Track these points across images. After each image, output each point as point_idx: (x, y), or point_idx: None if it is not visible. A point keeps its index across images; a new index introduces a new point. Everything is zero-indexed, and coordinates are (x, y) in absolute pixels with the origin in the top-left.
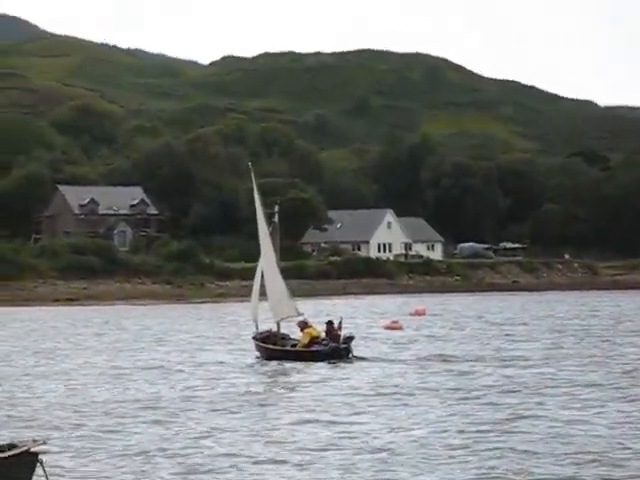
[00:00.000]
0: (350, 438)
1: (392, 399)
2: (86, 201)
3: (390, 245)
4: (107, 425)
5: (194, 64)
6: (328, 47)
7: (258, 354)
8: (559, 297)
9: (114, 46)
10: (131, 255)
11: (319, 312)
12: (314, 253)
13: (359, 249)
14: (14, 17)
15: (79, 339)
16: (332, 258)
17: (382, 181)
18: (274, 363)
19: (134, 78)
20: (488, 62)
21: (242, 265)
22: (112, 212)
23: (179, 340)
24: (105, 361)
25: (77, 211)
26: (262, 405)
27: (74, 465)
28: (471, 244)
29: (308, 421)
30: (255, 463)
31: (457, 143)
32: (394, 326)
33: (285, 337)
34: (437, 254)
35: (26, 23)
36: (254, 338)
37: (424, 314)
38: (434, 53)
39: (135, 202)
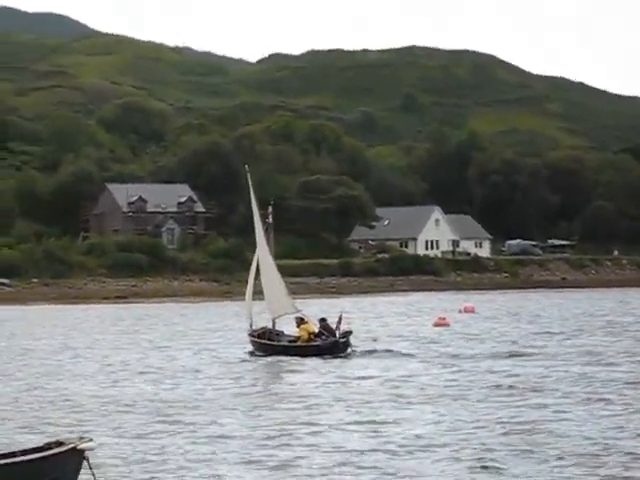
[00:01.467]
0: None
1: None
2: (134, 199)
3: (438, 242)
4: (153, 423)
5: (241, 62)
6: (375, 44)
7: (252, 349)
8: (609, 294)
9: (162, 44)
10: (179, 253)
11: (360, 309)
12: (361, 250)
13: (406, 246)
14: (63, 16)
15: (124, 336)
16: (379, 255)
17: (430, 178)
18: (310, 361)
19: (181, 76)
20: (536, 58)
21: (289, 262)
22: (160, 210)
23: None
24: (159, 359)
25: (125, 209)
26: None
27: (120, 462)
28: (519, 241)
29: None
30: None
31: (505, 140)
32: (442, 323)
33: (280, 334)
34: (485, 251)
35: (75, 22)
36: (250, 335)
37: (473, 311)
38: (482, 49)
39: (183, 200)
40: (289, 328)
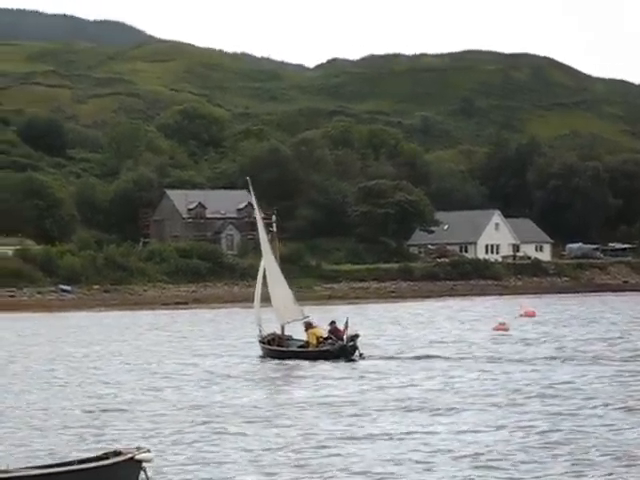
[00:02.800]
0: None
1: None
2: (194, 205)
3: (498, 246)
4: (208, 433)
5: (300, 67)
6: (434, 48)
7: (262, 354)
8: None
9: (220, 50)
10: (238, 258)
11: (418, 313)
12: (421, 255)
13: (466, 251)
14: (121, 23)
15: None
16: (439, 260)
17: (489, 182)
18: (364, 364)
19: (240, 82)
20: (595, 61)
21: (349, 267)
22: (219, 216)
23: None
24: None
25: (185, 215)
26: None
27: (176, 473)
28: (580, 245)
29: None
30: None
31: (565, 143)
32: (501, 327)
33: (289, 339)
34: (545, 255)
35: (132, 29)
36: (260, 341)
37: (534, 316)
38: (540, 52)
39: (242, 206)
40: (297, 333)
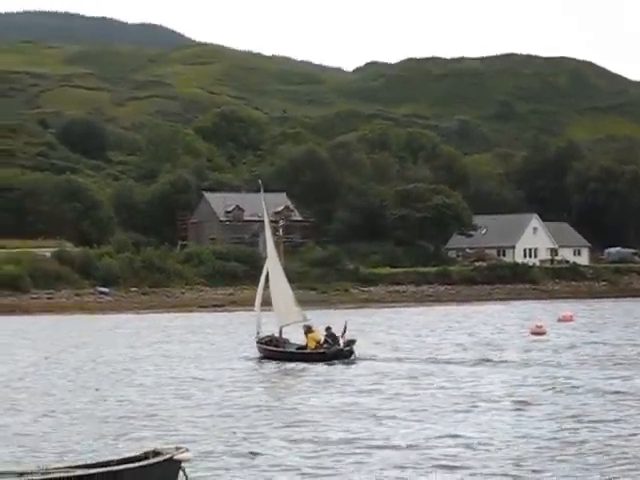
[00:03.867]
0: None
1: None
2: (231, 208)
3: (536, 250)
4: (247, 431)
5: (338, 70)
6: (472, 52)
7: (260, 355)
8: None
9: (258, 53)
10: None
11: (456, 317)
12: (459, 259)
13: (504, 254)
14: (160, 26)
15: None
16: (477, 264)
17: (527, 186)
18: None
19: (278, 85)
20: (633, 65)
21: (387, 271)
22: (257, 218)
23: None
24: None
25: (222, 218)
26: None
27: (215, 473)
28: (618, 249)
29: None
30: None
31: (603, 147)
32: (538, 331)
33: (286, 341)
34: (584, 259)
35: (172, 32)
36: (258, 342)
37: (572, 320)
38: (579, 56)
39: (280, 209)
40: (295, 336)
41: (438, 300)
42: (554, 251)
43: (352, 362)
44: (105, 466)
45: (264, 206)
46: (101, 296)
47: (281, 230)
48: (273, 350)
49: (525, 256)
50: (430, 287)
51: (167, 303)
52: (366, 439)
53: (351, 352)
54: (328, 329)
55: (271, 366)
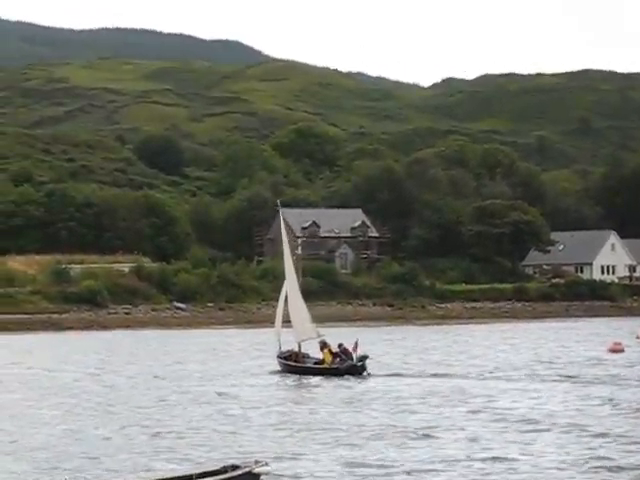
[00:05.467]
0: None
1: None
2: (308, 224)
3: (614, 267)
4: (326, 447)
5: (415, 87)
6: (550, 68)
7: (280, 369)
8: None
9: (335, 70)
10: (352, 277)
11: (533, 333)
12: (536, 275)
13: (582, 271)
14: (237, 42)
15: None
16: (554, 280)
17: (605, 202)
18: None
19: (355, 101)
20: None
21: (463, 287)
22: (333, 235)
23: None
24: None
25: (299, 234)
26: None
27: None
28: None
29: None
30: None
31: None
32: (616, 348)
33: (306, 356)
34: None
35: (249, 48)
36: (278, 357)
37: None
38: None
39: (356, 225)
40: (317, 351)
41: (515, 317)
42: (632, 268)
43: (365, 378)
44: None
45: (282, 225)
46: (178, 311)
47: (299, 249)
48: (290, 365)
49: (603, 273)
50: (507, 304)
51: (243, 318)
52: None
53: (364, 368)
54: (340, 345)
55: (324, 384)
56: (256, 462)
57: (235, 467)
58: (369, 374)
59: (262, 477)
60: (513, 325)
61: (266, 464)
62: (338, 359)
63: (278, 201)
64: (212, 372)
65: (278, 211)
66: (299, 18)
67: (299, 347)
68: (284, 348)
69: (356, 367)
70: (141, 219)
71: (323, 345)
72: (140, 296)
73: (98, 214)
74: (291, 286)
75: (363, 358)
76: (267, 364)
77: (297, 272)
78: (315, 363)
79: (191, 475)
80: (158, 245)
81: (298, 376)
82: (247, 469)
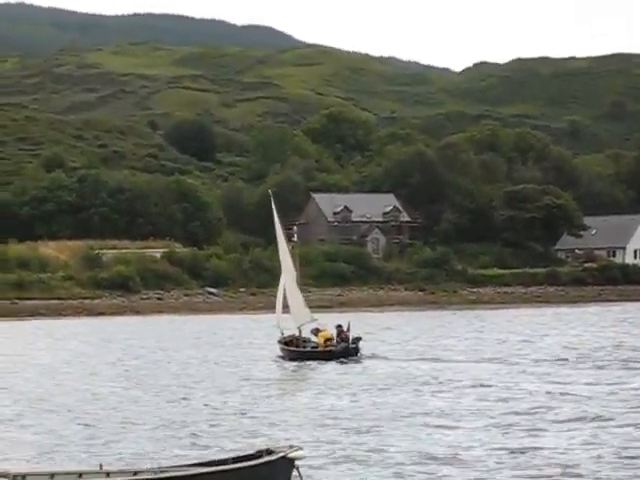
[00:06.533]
0: None
1: None
2: (340, 209)
3: None
4: (364, 434)
5: (447, 71)
6: (582, 51)
7: (282, 355)
8: None
9: (366, 54)
10: (384, 262)
11: (564, 318)
12: (568, 260)
13: (614, 255)
14: (269, 27)
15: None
16: (587, 265)
17: (638, 186)
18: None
19: (387, 86)
20: None
21: (495, 272)
22: (365, 219)
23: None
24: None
25: (331, 218)
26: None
27: (331, 472)
28: None
29: None
30: None
31: None
32: None
33: (306, 340)
34: None
35: (281, 33)
36: (279, 342)
37: None
38: None
39: (388, 209)
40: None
41: (547, 301)
42: None
43: (359, 359)
44: (220, 464)
45: (276, 215)
46: (210, 296)
47: (295, 236)
48: (288, 350)
49: (635, 257)
50: (539, 288)
51: (274, 303)
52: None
53: (357, 350)
54: (338, 327)
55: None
56: (290, 447)
57: (270, 451)
58: (362, 355)
59: (297, 462)
60: (544, 309)
61: (300, 448)
62: (332, 342)
63: (269, 191)
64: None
65: (311, 196)
66: (330, 2)
67: (299, 332)
68: (287, 333)
69: (349, 349)
70: (173, 205)
71: (316, 331)
72: (172, 281)
73: (130, 200)
74: (287, 274)
75: (356, 340)
76: None
77: (294, 259)
78: (312, 347)
79: (226, 459)
80: (190, 230)
81: (298, 361)
82: (281, 453)
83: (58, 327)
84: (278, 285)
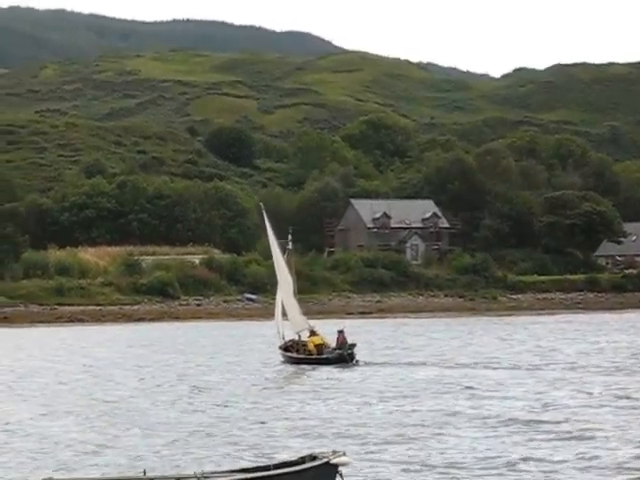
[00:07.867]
0: None
1: None
2: (379, 215)
3: None
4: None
5: (486, 77)
6: (622, 57)
7: (283, 360)
8: None
9: (406, 60)
10: (423, 268)
11: (602, 325)
12: (609, 266)
13: None
14: (307, 33)
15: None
16: (627, 271)
17: None
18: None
19: (426, 92)
20: None
21: (534, 278)
22: (404, 225)
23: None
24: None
25: (370, 225)
26: None
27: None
28: None
29: None
30: None
31: None
32: None
33: (305, 344)
34: None
35: (319, 39)
36: (280, 347)
37: None
38: None
39: (427, 215)
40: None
41: (587, 308)
42: None
43: (354, 366)
44: (263, 470)
45: (268, 225)
46: (248, 302)
47: (290, 243)
48: (286, 355)
49: None
50: (579, 295)
51: (314, 310)
52: None
53: (352, 356)
54: (340, 332)
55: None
56: (334, 452)
57: (313, 457)
58: (357, 362)
59: (340, 468)
60: (584, 316)
61: (344, 454)
62: (329, 349)
63: (261, 204)
64: None
65: (349, 202)
66: (369, 9)
67: (299, 337)
68: (288, 338)
69: (344, 356)
70: (212, 211)
71: (312, 333)
72: (211, 287)
73: (169, 206)
74: (284, 285)
75: (351, 346)
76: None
77: (290, 267)
78: (309, 353)
79: (269, 465)
80: (229, 236)
81: (295, 366)
82: (325, 459)
83: (98, 333)
84: (279, 291)
